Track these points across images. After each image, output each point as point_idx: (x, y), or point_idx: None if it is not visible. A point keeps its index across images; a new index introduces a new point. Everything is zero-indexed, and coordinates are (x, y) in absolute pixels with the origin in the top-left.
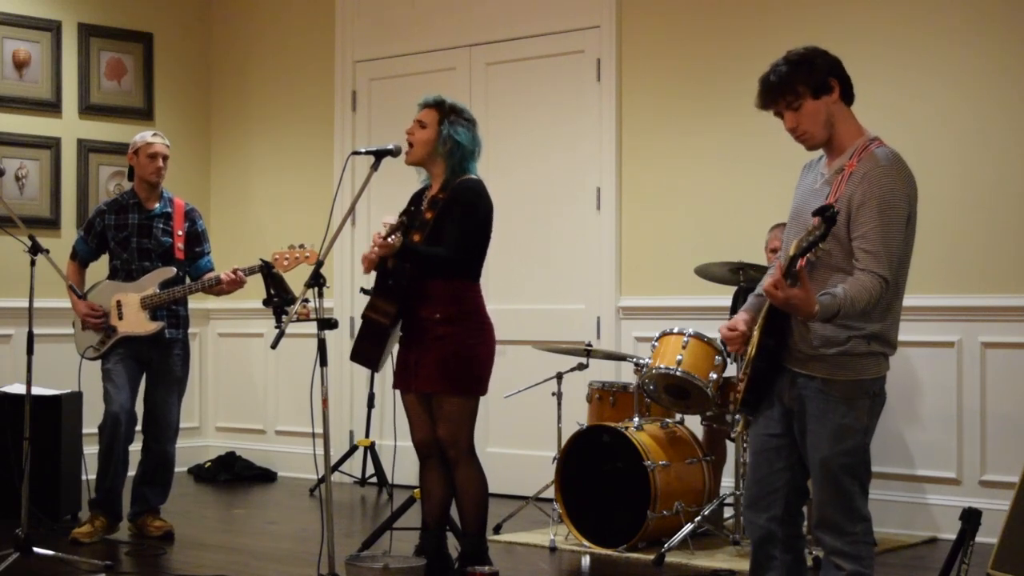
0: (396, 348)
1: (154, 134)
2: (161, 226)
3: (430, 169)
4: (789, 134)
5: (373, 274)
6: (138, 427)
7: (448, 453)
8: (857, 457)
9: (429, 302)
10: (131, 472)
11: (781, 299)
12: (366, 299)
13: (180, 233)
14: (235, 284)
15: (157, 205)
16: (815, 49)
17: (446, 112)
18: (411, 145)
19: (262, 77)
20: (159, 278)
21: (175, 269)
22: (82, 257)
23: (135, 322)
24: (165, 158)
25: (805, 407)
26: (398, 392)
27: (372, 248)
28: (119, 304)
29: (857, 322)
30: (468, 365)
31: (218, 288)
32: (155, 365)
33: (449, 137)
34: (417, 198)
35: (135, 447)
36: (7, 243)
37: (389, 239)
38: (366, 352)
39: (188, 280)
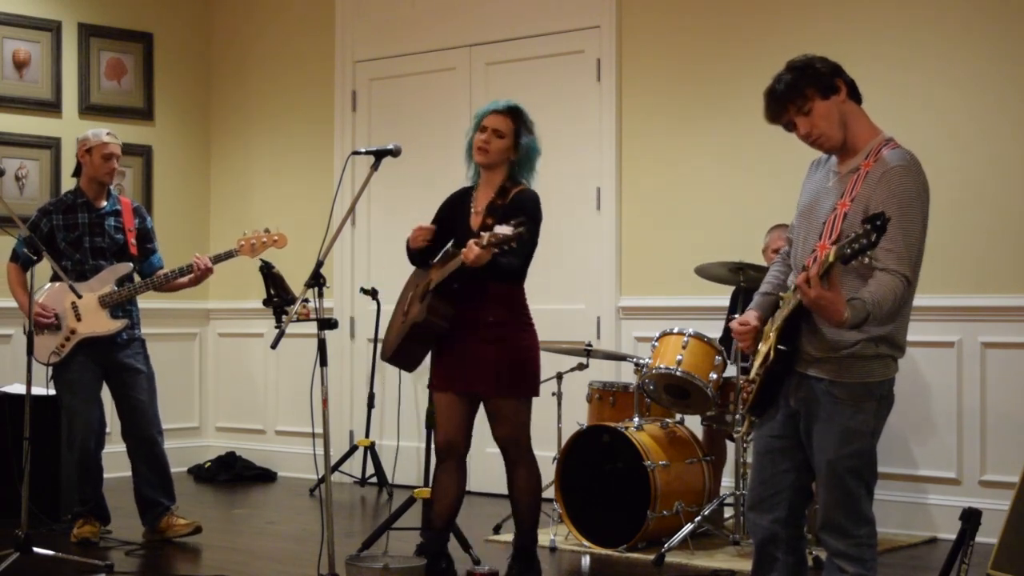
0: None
1: (108, 133)
2: (113, 223)
3: (491, 172)
4: (803, 141)
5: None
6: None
7: (508, 453)
8: (863, 460)
9: (482, 304)
10: (115, 475)
11: (812, 297)
12: (366, 299)
13: (131, 229)
14: (206, 272)
15: (105, 203)
16: (814, 56)
17: (521, 122)
18: (485, 152)
19: (262, 77)
20: (114, 275)
21: (131, 265)
22: (24, 260)
23: (96, 322)
24: (119, 158)
25: (812, 409)
26: (404, 391)
27: (478, 244)
28: (74, 305)
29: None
30: (523, 367)
31: (192, 277)
32: (120, 367)
33: (527, 147)
34: (457, 201)
35: (120, 450)
36: (7, 243)
37: (493, 249)
38: (411, 354)
39: (138, 278)
